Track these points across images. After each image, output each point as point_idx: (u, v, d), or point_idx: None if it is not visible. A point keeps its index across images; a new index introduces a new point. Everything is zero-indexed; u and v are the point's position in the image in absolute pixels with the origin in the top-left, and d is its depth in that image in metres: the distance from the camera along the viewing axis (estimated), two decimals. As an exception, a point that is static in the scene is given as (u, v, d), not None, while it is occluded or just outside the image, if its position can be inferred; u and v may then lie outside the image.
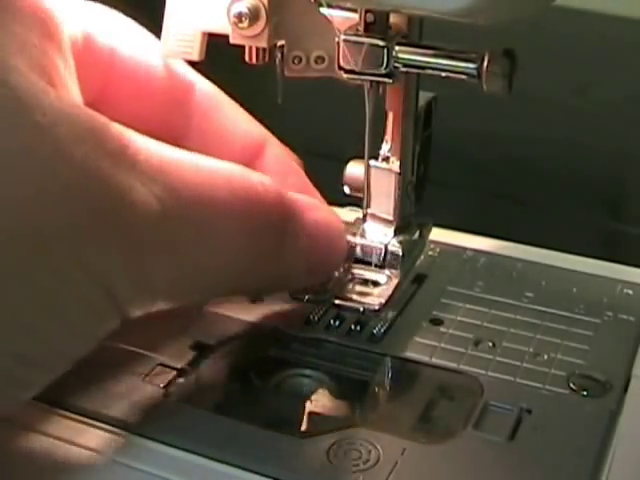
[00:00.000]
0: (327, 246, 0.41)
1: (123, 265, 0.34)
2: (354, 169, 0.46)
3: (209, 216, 0.36)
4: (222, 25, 0.41)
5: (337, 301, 0.44)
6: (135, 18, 0.44)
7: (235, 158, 0.39)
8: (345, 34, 0.41)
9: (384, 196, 0.45)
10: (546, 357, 0.42)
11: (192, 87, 0.44)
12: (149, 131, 0.36)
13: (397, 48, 0.41)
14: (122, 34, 0.42)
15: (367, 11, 0.41)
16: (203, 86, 0.44)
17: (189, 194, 0.35)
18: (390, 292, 0.44)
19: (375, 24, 0.41)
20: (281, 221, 0.39)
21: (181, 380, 0.40)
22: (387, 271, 0.45)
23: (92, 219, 0.33)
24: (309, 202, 0.41)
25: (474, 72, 0.40)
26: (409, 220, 0.46)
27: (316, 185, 0.46)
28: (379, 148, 0.45)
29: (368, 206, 0.45)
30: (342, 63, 0.41)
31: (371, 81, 0.42)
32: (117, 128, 0.34)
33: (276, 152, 0.45)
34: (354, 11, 0.41)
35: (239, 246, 0.37)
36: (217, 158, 0.38)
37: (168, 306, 0.37)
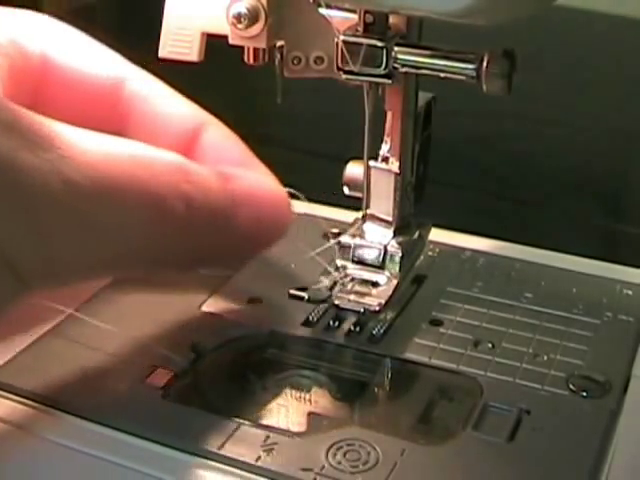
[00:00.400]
0: (253, 215, 0.41)
1: (23, 236, 0.34)
2: (354, 169, 0.46)
3: (110, 187, 0.36)
4: (221, 26, 0.41)
5: (337, 302, 0.44)
6: (134, 18, 0.44)
7: (171, 144, 0.40)
8: (344, 35, 0.41)
9: (383, 197, 0.45)
10: (545, 358, 0.42)
11: (124, 81, 0.44)
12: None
13: (396, 49, 0.41)
14: (52, 37, 0.43)
15: (366, 12, 0.41)
16: (135, 77, 0.44)
17: (89, 165, 0.35)
18: (390, 293, 0.44)
19: (374, 25, 0.41)
20: (186, 194, 0.38)
21: (179, 381, 0.40)
22: (386, 272, 0.45)
23: None
24: (228, 174, 0.41)
25: (473, 73, 0.40)
26: (408, 221, 0.46)
27: (316, 185, 0.46)
28: (379, 148, 0.45)
29: (367, 207, 0.45)
30: (341, 64, 0.41)
31: (370, 82, 0.42)
32: (9, 103, 0.34)
33: (214, 132, 0.44)
34: (353, 12, 0.41)
35: (144, 218, 0.37)
36: (153, 146, 0.38)
37: (81, 281, 0.37)
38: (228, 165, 0.42)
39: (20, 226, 0.34)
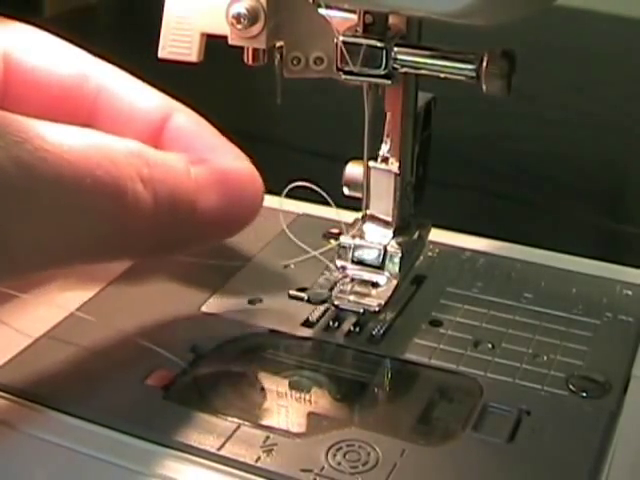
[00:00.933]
0: (219, 199, 0.41)
1: None
2: (354, 170, 0.45)
3: (67, 171, 0.35)
4: (221, 26, 0.41)
5: (336, 302, 0.44)
6: (134, 19, 0.44)
7: (140, 134, 0.40)
8: (344, 35, 0.41)
9: (383, 197, 0.45)
10: (545, 358, 0.42)
11: (89, 76, 0.44)
12: None
13: (396, 49, 0.41)
14: (13, 37, 0.43)
15: (366, 12, 0.41)
16: (100, 71, 0.44)
17: (45, 150, 0.35)
18: (389, 293, 0.44)
19: (374, 25, 0.41)
20: (146, 179, 0.38)
21: (179, 381, 0.40)
22: (386, 272, 0.44)
23: None
24: (194, 158, 0.41)
25: (473, 73, 0.40)
26: (408, 221, 0.46)
27: (316, 185, 0.46)
28: (378, 149, 0.45)
29: (367, 207, 0.45)
30: (340, 64, 0.41)
31: (370, 82, 0.42)
32: None
33: (182, 119, 0.44)
34: (353, 12, 0.41)
35: (103, 203, 0.37)
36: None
37: (41, 269, 0.37)
38: (199, 150, 0.42)
39: None
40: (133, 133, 0.40)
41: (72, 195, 0.36)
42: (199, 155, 0.42)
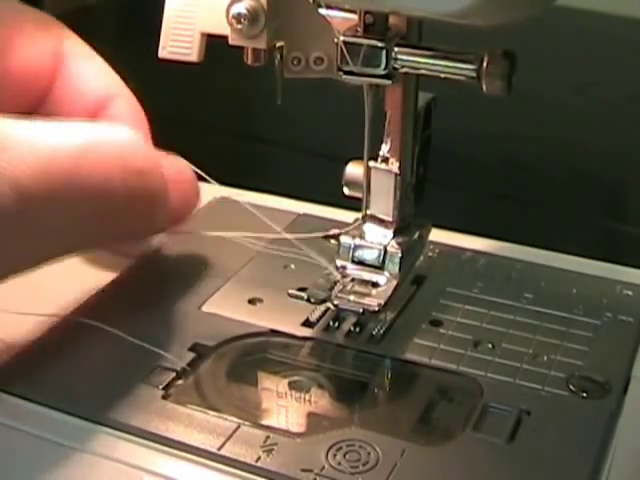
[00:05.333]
0: (180, 195, 0.44)
1: None
2: (354, 170, 0.45)
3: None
4: (221, 26, 0.41)
5: (336, 302, 0.44)
6: (134, 19, 0.44)
7: (78, 115, 0.42)
8: (344, 35, 0.41)
9: (384, 197, 0.45)
10: (545, 358, 0.42)
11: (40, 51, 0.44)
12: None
13: (396, 49, 0.41)
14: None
15: (366, 12, 0.41)
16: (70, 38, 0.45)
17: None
18: (389, 293, 0.44)
19: (374, 25, 0.41)
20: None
21: (179, 381, 0.40)
22: (386, 272, 0.44)
23: None
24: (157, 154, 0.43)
25: (473, 73, 0.40)
26: (408, 221, 0.46)
27: (316, 185, 0.46)
28: (379, 149, 0.45)
29: (368, 207, 0.45)
30: (341, 64, 0.41)
31: (370, 82, 0.42)
32: None
33: (120, 106, 0.45)
34: (353, 12, 0.41)
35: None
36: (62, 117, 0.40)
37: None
38: None
39: None
40: (78, 106, 0.41)
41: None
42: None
